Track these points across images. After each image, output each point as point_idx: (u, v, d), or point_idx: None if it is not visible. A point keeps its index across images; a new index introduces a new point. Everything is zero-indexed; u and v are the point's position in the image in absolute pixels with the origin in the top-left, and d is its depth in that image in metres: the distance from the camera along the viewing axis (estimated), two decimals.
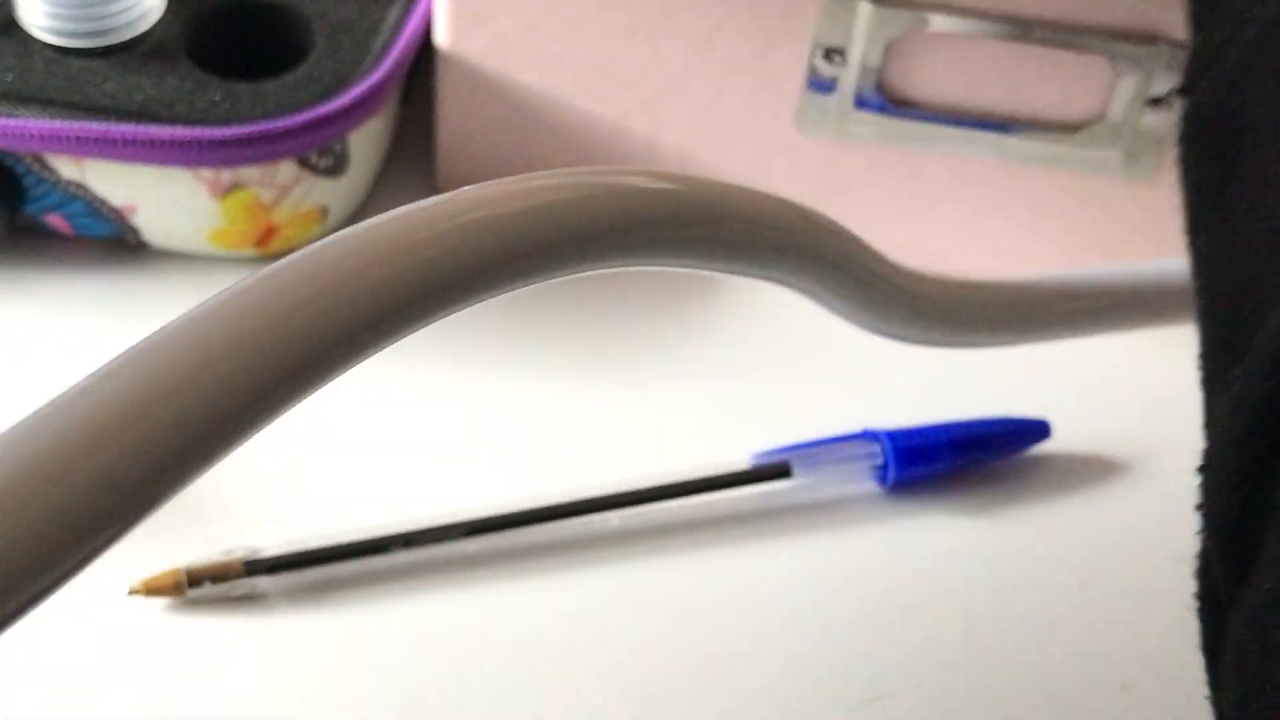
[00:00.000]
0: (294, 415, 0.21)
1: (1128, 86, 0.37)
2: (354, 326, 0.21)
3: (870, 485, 0.37)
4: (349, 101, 0.38)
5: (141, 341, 0.20)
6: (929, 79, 0.38)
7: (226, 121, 0.37)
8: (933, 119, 0.38)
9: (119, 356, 0.19)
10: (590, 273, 0.25)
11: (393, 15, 0.40)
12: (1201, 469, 0.22)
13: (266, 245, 0.40)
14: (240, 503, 0.35)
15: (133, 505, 0.19)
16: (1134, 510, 0.37)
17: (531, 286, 0.24)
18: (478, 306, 0.23)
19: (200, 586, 0.33)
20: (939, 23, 0.36)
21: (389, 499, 0.35)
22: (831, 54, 0.37)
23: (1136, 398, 0.40)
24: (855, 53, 0.37)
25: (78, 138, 0.36)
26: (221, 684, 0.32)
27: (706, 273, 0.27)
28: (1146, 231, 0.40)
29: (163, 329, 0.20)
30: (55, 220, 0.39)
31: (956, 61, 0.37)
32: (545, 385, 0.39)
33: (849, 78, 0.38)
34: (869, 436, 0.36)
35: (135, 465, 0.19)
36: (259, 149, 0.37)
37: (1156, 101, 0.37)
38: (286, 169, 0.38)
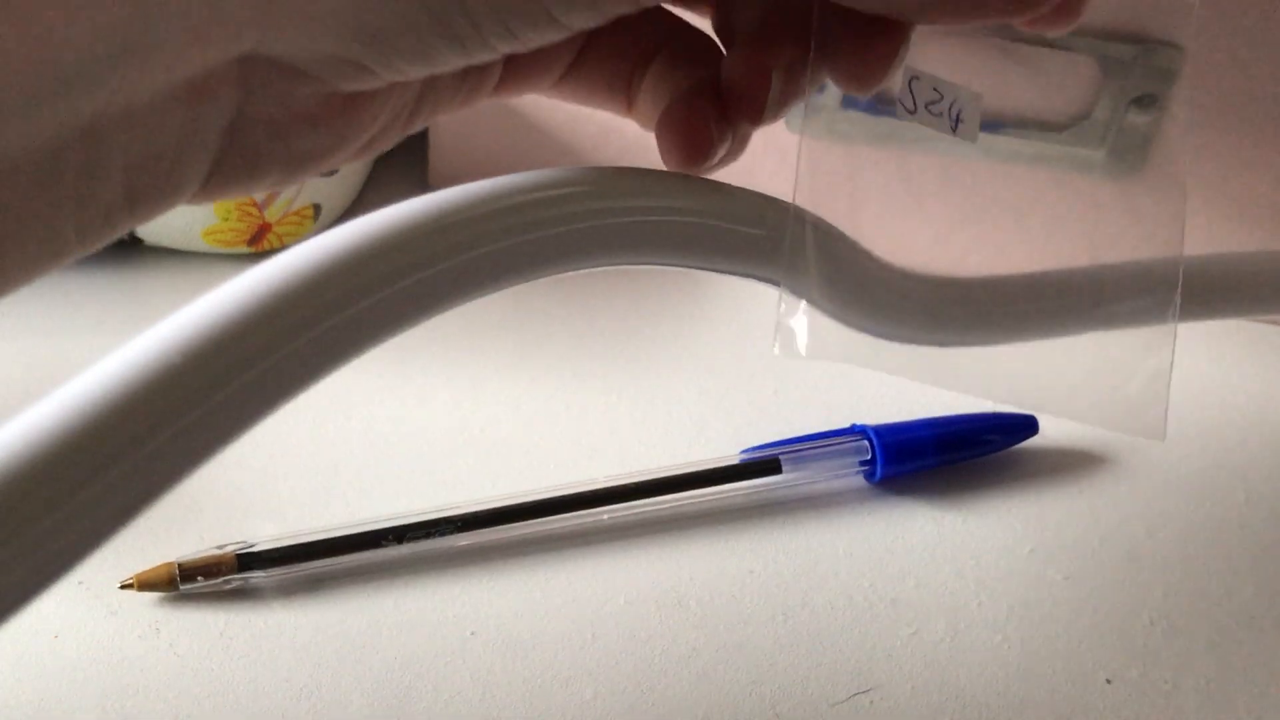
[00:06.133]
0: (287, 410, 0.21)
1: (1113, 86, 0.37)
2: (343, 324, 0.21)
3: (858, 480, 0.37)
4: None
5: (136, 338, 0.20)
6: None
7: None
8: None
9: (115, 353, 0.20)
10: (580, 271, 0.25)
11: None
12: None
13: (259, 243, 0.40)
14: (233, 497, 0.35)
15: (126, 500, 0.19)
16: (1119, 504, 0.37)
17: (521, 285, 0.24)
18: (469, 304, 0.23)
19: (193, 580, 0.33)
20: None
21: (381, 493, 0.36)
22: None
23: None
24: None
25: None
26: (214, 678, 0.32)
27: (695, 270, 0.27)
28: (1131, 230, 0.41)
29: (155, 327, 0.20)
30: None
31: (943, 61, 0.38)
32: (536, 382, 0.39)
33: None
34: (857, 432, 0.37)
35: (132, 461, 0.19)
36: None
37: (1142, 101, 0.37)
38: None
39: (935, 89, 0.29)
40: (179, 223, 0.39)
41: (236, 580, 0.33)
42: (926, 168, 0.40)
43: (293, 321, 0.21)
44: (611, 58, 0.29)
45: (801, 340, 0.30)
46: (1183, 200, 0.40)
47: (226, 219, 0.39)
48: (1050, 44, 0.36)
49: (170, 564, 0.33)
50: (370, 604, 0.33)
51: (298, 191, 0.39)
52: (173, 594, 0.33)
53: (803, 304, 0.29)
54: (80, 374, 0.19)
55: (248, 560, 0.33)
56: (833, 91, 0.38)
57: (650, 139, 0.40)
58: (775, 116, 0.28)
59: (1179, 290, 0.34)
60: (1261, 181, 0.39)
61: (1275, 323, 0.42)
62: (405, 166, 0.44)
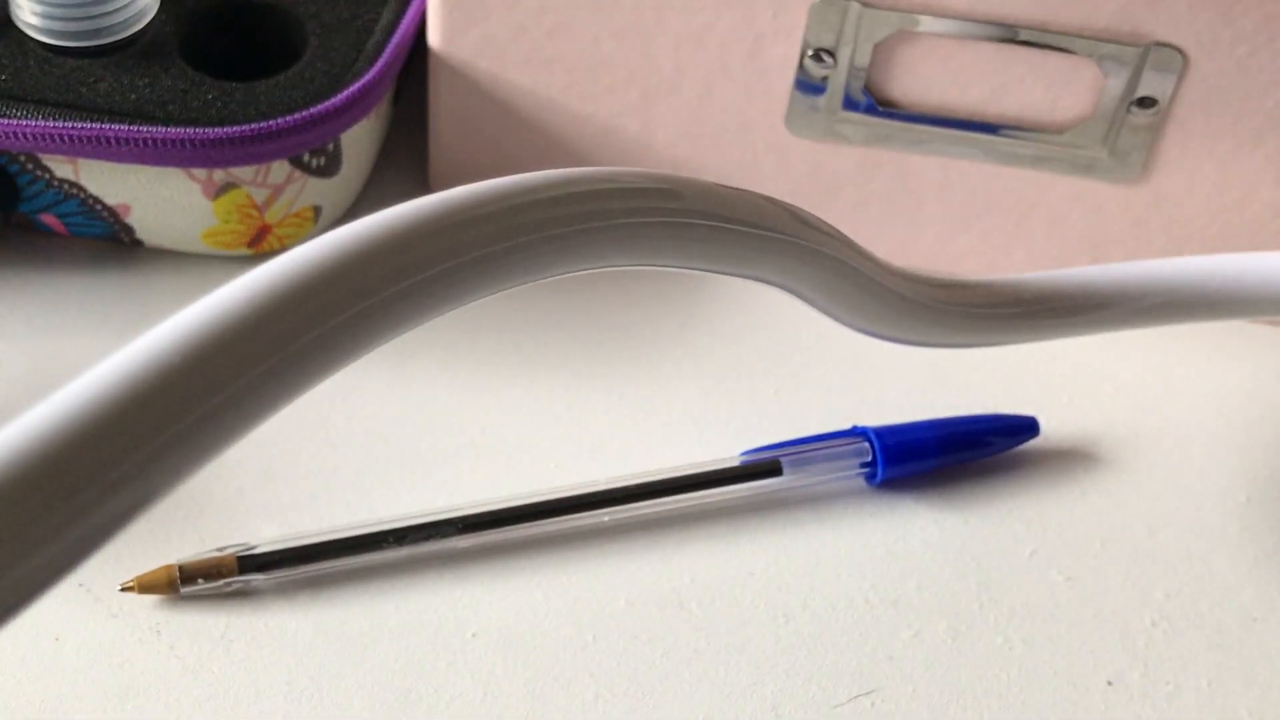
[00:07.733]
0: (287, 411, 0.21)
1: (1114, 87, 0.37)
2: (344, 325, 0.21)
3: (859, 482, 0.37)
4: (341, 102, 0.38)
5: (135, 340, 0.20)
6: (917, 80, 0.38)
7: (220, 121, 0.37)
8: (920, 120, 0.39)
9: (114, 354, 0.20)
10: (580, 272, 0.25)
11: (386, 16, 0.41)
12: None
13: (259, 245, 0.40)
14: (233, 498, 0.35)
15: (127, 502, 0.19)
16: (1120, 506, 0.37)
17: (522, 286, 0.24)
18: (470, 305, 0.23)
19: (193, 583, 0.33)
20: (927, 24, 0.37)
21: (382, 495, 0.36)
22: (821, 55, 0.37)
23: (1123, 394, 0.40)
24: (844, 54, 0.37)
25: (72, 137, 0.36)
26: (214, 680, 0.32)
27: (696, 272, 0.27)
28: (1133, 232, 0.41)
29: (155, 328, 0.20)
30: (49, 220, 0.40)
31: (944, 63, 0.38)
32: (536, 383, 0.39)
33: (838, 78, 0.38)
34: (857, 434, 0.37)
35: (132, 462, 0.19)
36: (252, 149, 0.37)
37: (1143, 102, 0.37)
38: (279, 169, 0.38)
39: None
40: (179, 224, 0.39)
41: (237, 582, 0.33)
42: (927, 169, 0.40)
43: (293, 323, 0.21)
44: None
45: None
46: (1185, 202, 0.40)
47: (227, 221, 0.39)
48: (1051, 46, 0.36)
49: (170, 566, 0.33)
50: (371, 606, 0.33)
51: (298, 193, 0.39)
52: (173, 596, 0.33)
53: None
54: (80, 375, 0.19)
55: (248, 562, 0.33)
56: (833, 92, 0.38)
57: (651, 139, 0.40)
58: None
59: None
60: (1262, 183, 0.39)
61: (1275, 323, 0.42)
62: (406, 168, 0.44)
